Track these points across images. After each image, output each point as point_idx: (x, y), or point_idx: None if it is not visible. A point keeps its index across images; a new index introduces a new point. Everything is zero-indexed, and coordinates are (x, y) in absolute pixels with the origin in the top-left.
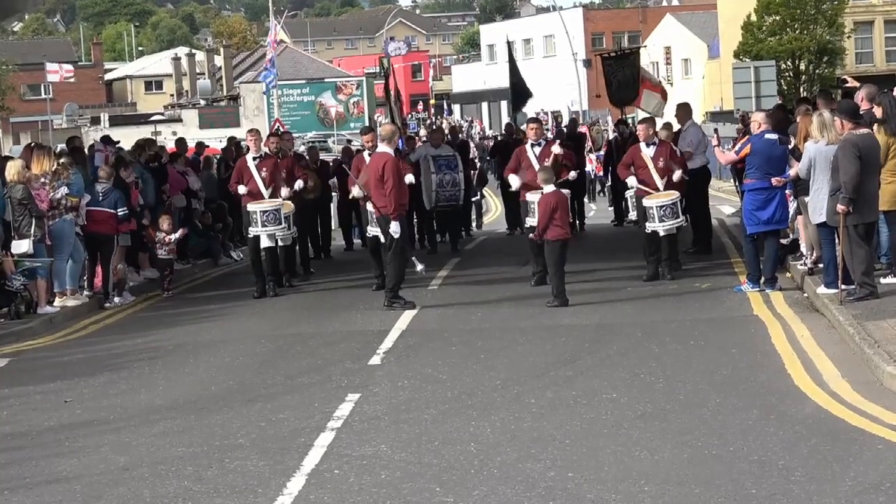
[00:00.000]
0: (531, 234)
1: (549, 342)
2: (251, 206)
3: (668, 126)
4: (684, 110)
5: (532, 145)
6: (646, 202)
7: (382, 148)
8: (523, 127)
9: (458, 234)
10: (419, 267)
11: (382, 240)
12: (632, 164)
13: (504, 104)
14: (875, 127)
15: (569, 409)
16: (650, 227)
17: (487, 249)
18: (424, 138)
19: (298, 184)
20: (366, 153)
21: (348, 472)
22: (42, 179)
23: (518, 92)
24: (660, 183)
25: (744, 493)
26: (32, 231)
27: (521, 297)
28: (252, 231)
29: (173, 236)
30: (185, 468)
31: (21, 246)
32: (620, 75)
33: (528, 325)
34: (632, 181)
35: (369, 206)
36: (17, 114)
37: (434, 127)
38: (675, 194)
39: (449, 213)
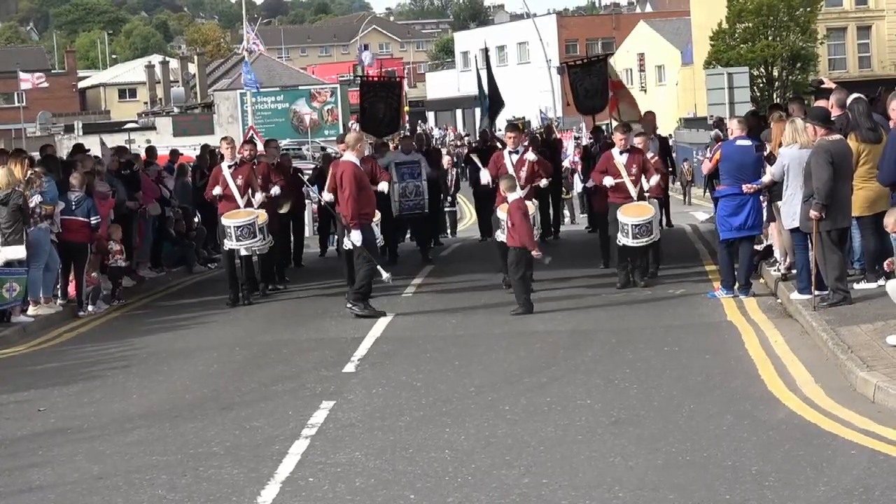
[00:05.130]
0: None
1: (523, 349)
2: (225, 221)
3: (643, 134)
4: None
5: (510, 153)
6: (622, 218)
7: (346, 156)
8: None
9: (429, 243)
10: (385, 276)
11: (346, 247)
12: (605, 173)
13: (478, 111)
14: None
15: (543, 415)
16: (622, 240)
17: (461, 256)
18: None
19: (275, 190)
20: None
21: (323, 480)
22: (17, 188)
23: (494, 102)
24: (633, 191)
25: (717, 498)
26: (24, 237)
27: (495, 304)
28: (228, 245)
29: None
30: (159, 477)
31: (17, 252)
32: (587, 83)
33: (503, 331)
34: (608, 181)
35: None
36: None
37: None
38: (651, 210)
39: (419, 222)
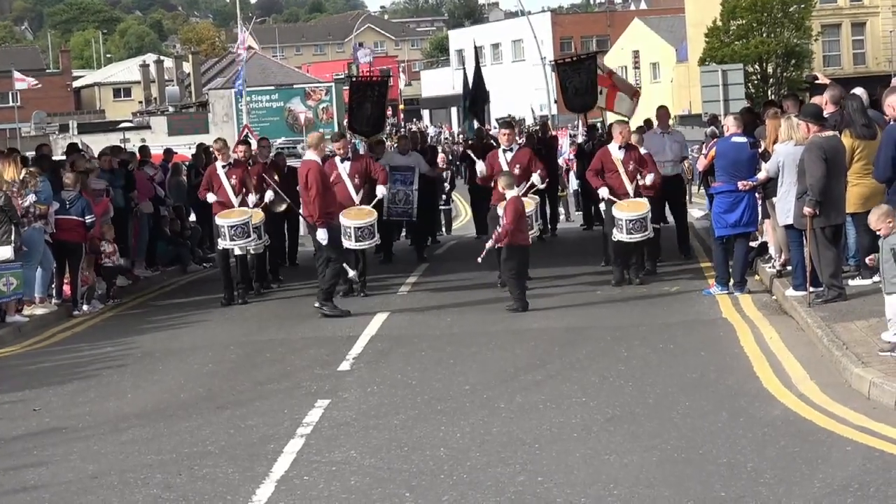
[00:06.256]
0: (490, 243)
1: (518, 346)
2: (219, 220)
3: (639, 130)
4: (667, 112)
5: (504, 150)
6: (616, 213)
7: (308, 155)
8: (493, 131)
9: (424, 243)
10: (351, 273)
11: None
12: (601, 169)
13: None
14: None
15: (538, 413)
16: (617, 236)
17: (456, 255)
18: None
19: (269, 195)
20: (337, 159)
21: (318, 479)
22: (13, 188)
23: (476, 98)
24: (629, 187)
25: (713, 495)
26: (13, 238)
27: (489, 302)
28: (222, 244)
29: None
30: (154, 476)
31: (4, 252)
32: (577, 81)
33: (498, 329)
34: (604, 192)
35: (341, 217)
36: None
37: (403, 133)
38: (646, 206)
39: (414, 221)
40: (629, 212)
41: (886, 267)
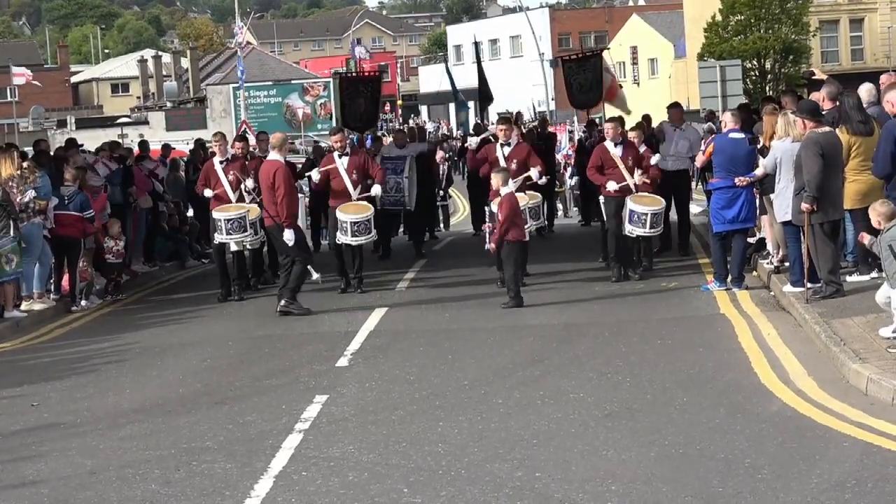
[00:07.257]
0: (490, 246)
1: (516, 342)
2: (216, 214)
3: (639, 125)
4: (679, 111)
5: (502, 145)
6: (636, 207)
7: (273, 156)
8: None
9: (422, 237)
10: (315, 276)
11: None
12: (601, 166)
13: (472, 105)
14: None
15: (536, 409)
16: (635, 231)
17: (454, 250)
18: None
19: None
20: (335, 154)
21: (316, 474)
22: (10, 183)
23: (483, 95)
24: (630, 181)
25: (710, 491)
26: (11, 234)
27: (488, 298)
28: (218, 238)
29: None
30: (152, 471)
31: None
32: (581, 78)
33: (496, 325)
34: (612, 185)
35: (338, 212)
36: None
37: (399, 127)
38: (662, 201)
39: (412, 216)
40: (650, 206)
41: (887, 264)
